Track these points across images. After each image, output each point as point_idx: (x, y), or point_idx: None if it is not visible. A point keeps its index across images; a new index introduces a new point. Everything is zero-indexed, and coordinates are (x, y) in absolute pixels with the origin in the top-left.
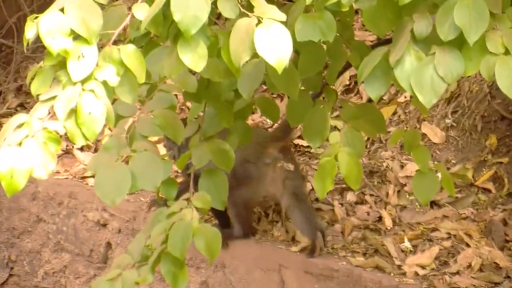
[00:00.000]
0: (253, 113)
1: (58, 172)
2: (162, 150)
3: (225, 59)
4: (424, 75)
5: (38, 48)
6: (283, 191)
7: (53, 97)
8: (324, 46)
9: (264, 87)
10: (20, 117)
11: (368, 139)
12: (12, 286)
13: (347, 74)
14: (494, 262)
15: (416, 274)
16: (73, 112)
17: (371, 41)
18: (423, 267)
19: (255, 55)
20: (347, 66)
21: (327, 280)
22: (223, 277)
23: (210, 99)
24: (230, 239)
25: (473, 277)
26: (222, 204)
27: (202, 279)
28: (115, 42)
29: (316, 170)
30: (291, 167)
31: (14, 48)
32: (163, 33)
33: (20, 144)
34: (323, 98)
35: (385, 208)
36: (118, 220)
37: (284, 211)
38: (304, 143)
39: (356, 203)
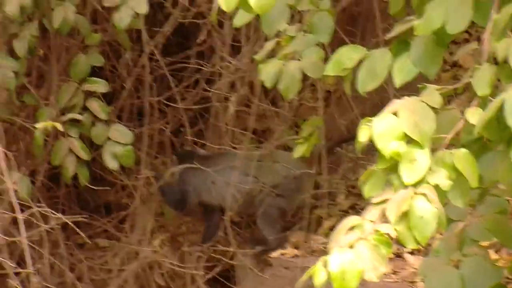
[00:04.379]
0: None
1: (387, 275)
2: None
3: None
4: None
5: (369, 151)
6: None
7: (385, 200)
8: None
9: None
10: (352, 219)
11: None
12: None
13: None
14: None
15: None
16: (405, 215)
17: None
18: None
19: None
20: None
21: None
22: None
23: None
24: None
25: None
26: None
27: None
28: (447, 146)
29: None
30: None
31: (345, 152)
32: (496, 137)
33: (351, 246)
34: None
35: None
36: None
37: None
38: None
39: None
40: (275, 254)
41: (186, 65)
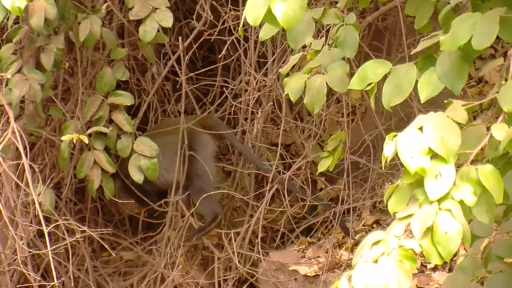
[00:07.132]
0: None
1: None
2: None
3: None
4: None
5: (395, 166)
6: None
7: (410, 215)
8: None
9: None
10: (376, 234)
11: None
12: None
13: None
14: None
15: None
16: (429, 230)
17: None
18: None
19: None
20: None
21: None
22: None
23: None
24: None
25: None
26: None
27: None
28: (472, 162)
29: None
30: None
31: (370, 167)
32: None
33: (376, 261)
34: None
35: None
36: None
37: None
38: None
39: None
40: (294, 267)
41: (211, 81)
